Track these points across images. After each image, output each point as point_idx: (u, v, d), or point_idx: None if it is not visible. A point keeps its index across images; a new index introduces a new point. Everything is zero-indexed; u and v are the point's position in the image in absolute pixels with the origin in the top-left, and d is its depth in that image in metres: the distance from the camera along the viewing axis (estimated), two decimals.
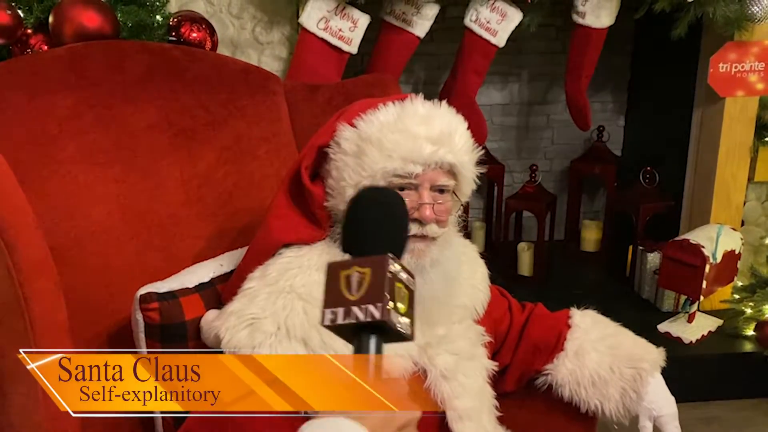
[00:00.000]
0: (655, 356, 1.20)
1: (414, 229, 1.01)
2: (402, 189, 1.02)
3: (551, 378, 1.22)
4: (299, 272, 1.04)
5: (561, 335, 1.24)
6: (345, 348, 0.88)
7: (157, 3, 1.76)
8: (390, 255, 0.66)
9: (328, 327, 0.65)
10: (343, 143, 1.04)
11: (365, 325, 0.63)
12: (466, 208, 2.71)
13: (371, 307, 0.63)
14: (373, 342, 0.64)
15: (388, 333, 0.64)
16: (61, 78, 1.28)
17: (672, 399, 1.18)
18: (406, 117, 1.02)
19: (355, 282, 0.64)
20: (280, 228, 1.09)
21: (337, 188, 1.05)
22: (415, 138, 1.00)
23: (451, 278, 1.06)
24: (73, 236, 1.21)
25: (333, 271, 0.66)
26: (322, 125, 1.11)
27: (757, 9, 2.02)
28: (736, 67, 2.23)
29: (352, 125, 1.05)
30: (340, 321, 0.64)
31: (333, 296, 0.65)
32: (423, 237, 1.03)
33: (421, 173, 1.01)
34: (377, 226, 0.74)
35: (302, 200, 1.09)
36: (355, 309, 0.63)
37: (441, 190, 1.04)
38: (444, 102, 1.08)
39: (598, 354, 1.21)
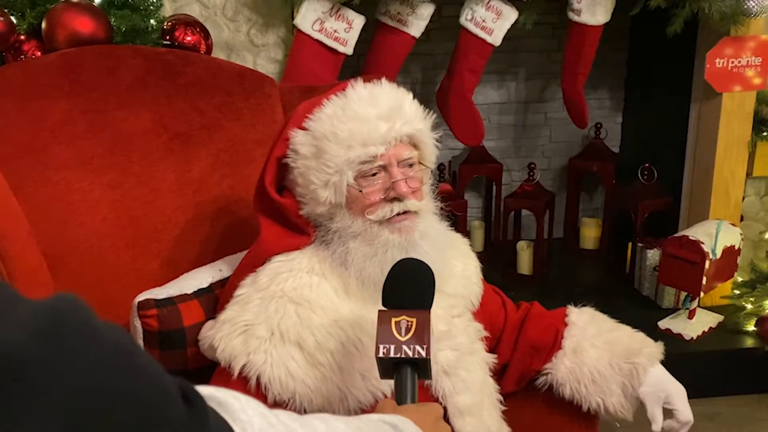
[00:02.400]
0: (652, 349, 1.18)
1: (396, 207, 1.02)
2: (371, 175, 1.02)
3: (551, 377, 1.22)
4: (290, 276, 1.04)
5: (558, 333, 1.24)
6: (341, 348, 0.91)
7: (151, 7, 1.75)
8: (429, 311, 0.86)
9: (379, 359, 0.84)
10: (299, 148, 1.04)
11: (406, 360, 0.83)
12: (464, 207, 2.72)
13: (418, 347, 0.83)
14: (409, 374, 0.83)
15: (421, 369, 0.84)
16: (54, 84, 1.27)
17: (677, 382, 1.17)
18: (352, 103, 1.02)
19: (404, 327, 0.84)
20: (269, 242, 1.09)
21: (308, 193, 1.05)
22: (367, 120, 1.00)
23: (442, 249, 1.07)
24: (68, 243, 1.21)
25: (385, 316, 0.86)
26: (273, 138, 1.11)
27: (753, 4, 2.01)
28: (732, 63, 2.22)
29: (303, 128, 1.04)
30: (392, 354, 0.83)
31: (386, 335, 0.84)
32: (406, 213, 1.03)
33: (384, 152, 1.01)
34: (412, 287, 0.89)
35: (278, 214, 1.09)
36: (405, 347, 0.83)
37: (409, 165, 1.05)
38: (383, 79, 1.08)
39: (597, 350, 1.20)
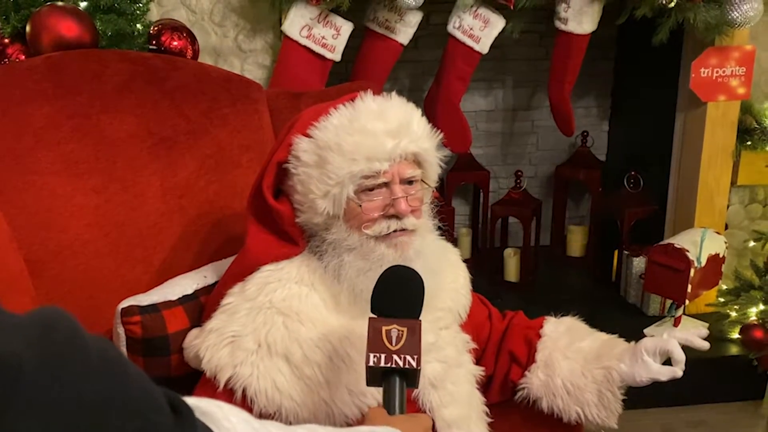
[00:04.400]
0: (622, 349, 1.14)
1: (393, 225, 1.01)
2: (372, 189, 1.01)
3: (527, 392, 1.20)
4: (278, 286, 1.03)
5: (532, 346, 1.22)
6: (329, 362, 0.90)
7: (138, 12, 1.74)
8: (420, 320, 0.86)
9: (369, 367, 0.83)
10: (302, 156, 1.02)
11: (395, 370, 0.83)
12: (451, 214, 2.72)
13: (409, 357, 0.82)
14: (398, 383, 0.83)
15: (409, 378, 0.84)
16: (38, 88, 1.25)
17: (646, 341, 1.11)
18: (360, 115, 1.01)
19: (394, 336, 0.83)
20: (256, 251, 1.08)
21: (306, 202, 1.03)
22: (374, 135, 0.99)
23: (434, 270, 1.05)
24: (51, 249, 1.19)
25: (376, 324, 0.85)
26: (275, 140, 1.09)
27: (737, 14, 2.04)
28: (717, 72, 2.25)
29: (307, 135, 1.03)
30: (382, 364, 0.82)
31: (376, 343, 0.83)
32: (403, 231, 1.02)
33: (388, 169, 1.00)
34: (402, 295, 0.89)
35: (270, 220, 1.07)
36: (396, 357, 0.82)
37: (410, 182, 1.04)
38: (394, 93, 1.07)
39: (569, 362, 1.18)
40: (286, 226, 1.06)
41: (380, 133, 0.99)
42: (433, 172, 1.08)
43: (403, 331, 0.84)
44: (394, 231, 1.01)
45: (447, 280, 1.16)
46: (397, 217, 1.01)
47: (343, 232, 1.03)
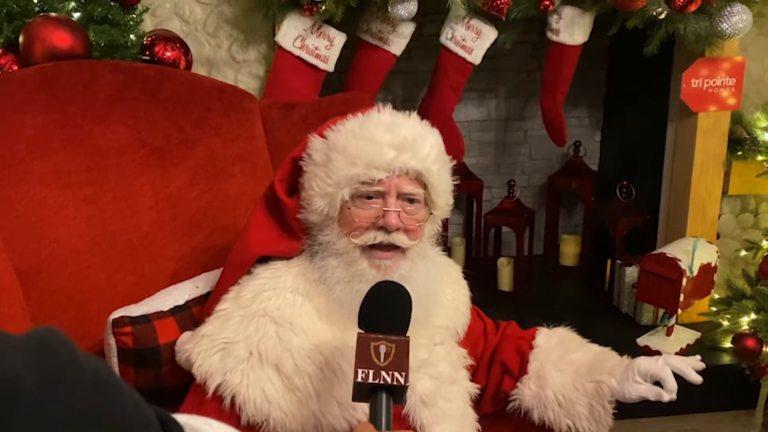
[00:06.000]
0: (613, 363, 1.14)
1: (380, 237, 1.01)
2: (368, 198, 1.01)
3: (519, 403, 1.19)
4: (273, 294, 1.03)
5: (524, 357, 1.22)
6: (320, 373, 0.89)
7: (131, 22, 1.75)
8: (409, 337, 0.86)
9: (357, 383, 0.83)
10: (313, 154, 1.05)
11: (383, 386, 0.82)
12: (444, 224, 2.72)
13: (397, 374, 0.82)
14: (385, 400, 0.82)
15: (396, 394, 0.83)
16: (31, 98, 1.26)
17: (640, 360, 1.10)
18: (371, 124, 1.03)
19: (382, 352, 0.83)
20: (256, 241, 1.09)
21: (307, 198, 1.05)
22: (378, 144, 1.00)
23: (422, 298, 1.03)
24: (42, 259, 1.19)
25: (365, 339, 0.84)
26: (299, 142, 1.11)
27: (727, 26, 2.06)
28: (707, 83, 2.26)
29: (323, 136, 1.05)
30: (370, 380, 0.82)
31: (364, 359, 0.83)
32: (389, 246, 1.01)
33: (385, 179, 1.00)
34: (390, 310, 0.89)
35: (279, 213, 1.09)
36: (384, 373, 0.82)
37: (410, 200, 1.03)
38: (415, 113, 1.07)
39: (561, 374, 1.17)
40: (290, 219, 1.07)
41: (384, 144, 1.00)
42: (438, 197, 1.06)
43: (391, 347, 0.83)
44: (380, 243, 1.01)
45: (448, 296, 1.16)
46: (386, 230, 1.01)
47: (334, 235, 1.03)
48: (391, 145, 1.00)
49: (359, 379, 0.82)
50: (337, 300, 1.01)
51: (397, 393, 0.83)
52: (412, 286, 1.01)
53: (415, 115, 1.08)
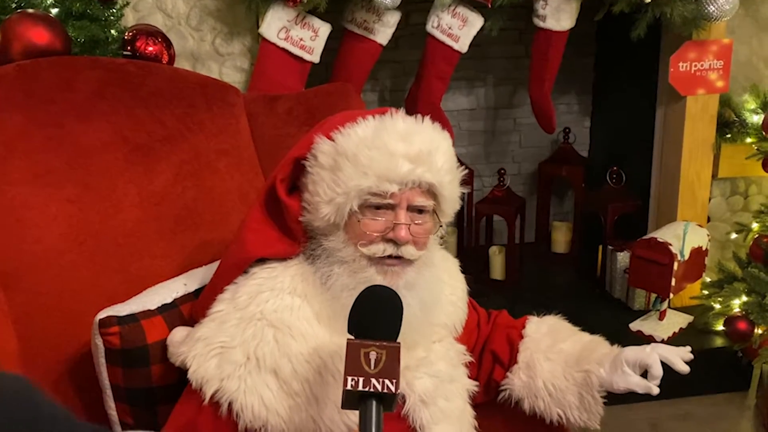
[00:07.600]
0: (602, 353, 1.13)
1: (389, 249, 0.99)
2: (378, 208, 0.99)
3: (509, 393, 1.19)
4: (271, 296, 1.01)
5: (514, 347, 1.21)
6: (318, 378, 0.87)
7: (112, 17, 1.72)
8: (399, 343, 0.84)
9: (347, 391, 0.81)
10: (320, 156, 1.01)
11: (373, 394, 0.81)
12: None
13: (387, 382, 0.81)
14: (375, 407, 0.81)
15: (386, 402, 0.82)
16: (9, 97, 1.23)
17: (629, 350, 1.10)
18: (384, 133, 0.99)
19: (373, 359, 0.82)
20: (254, 241, 1.06)
21: (312, 203, 1.02)
22: (392, 155, 0.97)
23: (428, 303, 1.02)
24: (26, 261, 1.17)
25: (355, 346, 0.83)
26: (299, 137, 1.08)
27: (713, 8, 2.05)
28: (695, 66, 2.26)
29: (330, 138, 1.01)
30: (360, 388, 0.81)
31: (354, 367, 0.81)
32: (398, 258, 1.00)
33: (398, 192, 0.97)
34: (379, 316, 0.87)
35: (278, 214, 1.06)
36: (374, 380, 0.81)
37: (419, 211, 1.01)
38: (427, 118, 1.04)
39: (551, 363, 1.17)
40: (291, 222, 1.04)
41: (399, 155, 0.97)
42: (448, 206, 1.05)
43: (382, 353, 0.82)
44: (389, 256, 0.99)
45: (446, 291, 1.15)
46: (396, 243, 0.99)
47: (339, 242, 1.01)
48: (406, 156, 0.97)
49: (349, 387, 0.81)
50: (342, 308, 0.98)
51: (387, 400, 0.82)
52: (417, 292, 1.00)
53: (428, 121, 1.04)
